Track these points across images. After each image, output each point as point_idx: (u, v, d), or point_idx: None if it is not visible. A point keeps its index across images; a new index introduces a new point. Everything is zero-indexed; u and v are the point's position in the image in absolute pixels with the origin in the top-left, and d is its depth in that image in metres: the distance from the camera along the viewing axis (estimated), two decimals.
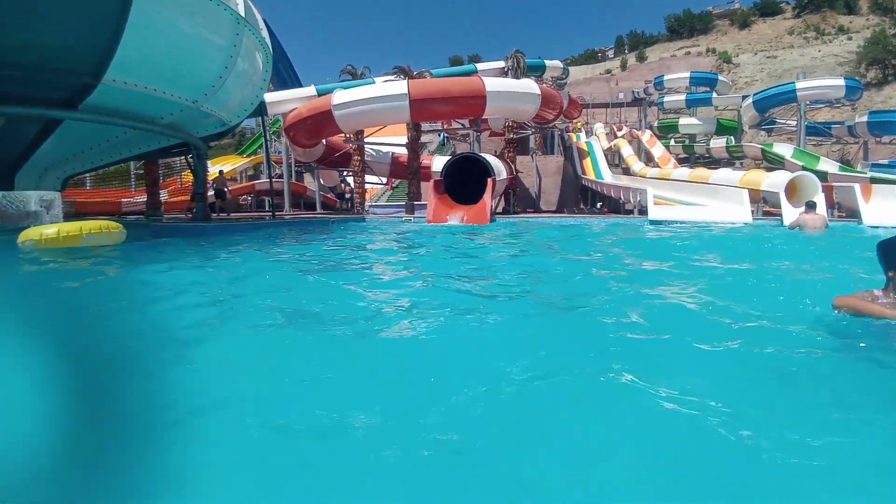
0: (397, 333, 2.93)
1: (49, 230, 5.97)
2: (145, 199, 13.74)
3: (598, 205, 19.23)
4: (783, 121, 29.99)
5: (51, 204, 8.77)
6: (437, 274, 5.16)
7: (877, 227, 11.05)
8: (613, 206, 18.27)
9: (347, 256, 6.86)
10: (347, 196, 20.61)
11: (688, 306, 3.47)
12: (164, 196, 16.02)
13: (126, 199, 16.66)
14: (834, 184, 14.01)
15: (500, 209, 16.96)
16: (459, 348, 2.68)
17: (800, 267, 5.30)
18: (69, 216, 9.65)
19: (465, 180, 13.57)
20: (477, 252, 7.25)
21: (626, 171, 23.91)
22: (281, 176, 21.28)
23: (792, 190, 12.23)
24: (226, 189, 16.35)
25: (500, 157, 17.19)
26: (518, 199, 18.60)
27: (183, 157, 12.75)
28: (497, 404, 1.93)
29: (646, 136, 29.74)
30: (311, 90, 18.21)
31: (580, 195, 21.63)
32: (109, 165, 12.11)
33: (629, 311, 3.20)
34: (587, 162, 22.76)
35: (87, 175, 16.29)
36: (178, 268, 5.42)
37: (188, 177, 15.42)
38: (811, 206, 9.94)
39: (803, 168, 17.37)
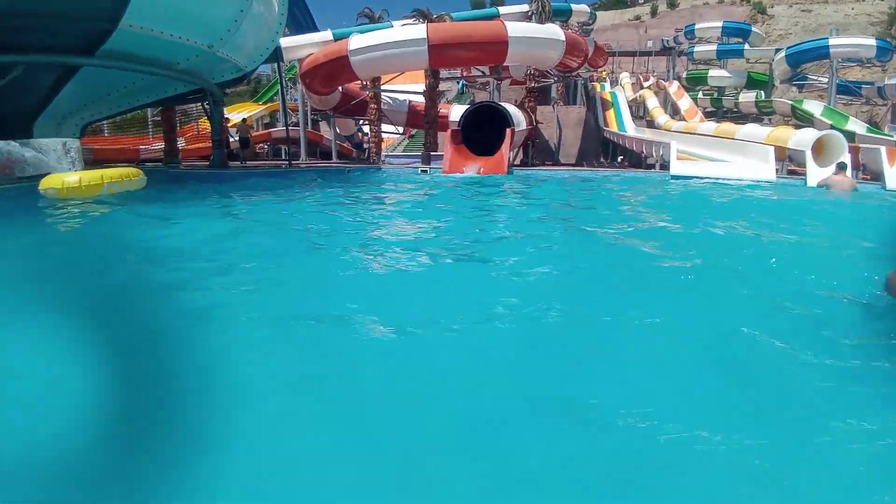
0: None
1: (71, 178, 6.02)
2: (163, 147, 13.77)
3: (620, 158, 18.83)
4: (815, 77, 28.78)
5: (70, 151, 8.83)
6: (448, 233, 5.14)
7: None
8: (635, 160, 17.86)
9: (361, 210, 6.88)
10: (365, 146, 20.44)
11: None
12: (181, 143, 16.05)
13: (144, 147, 16.71)
14: (861, 145, 13.51)
15: (518, 161, 16.69)
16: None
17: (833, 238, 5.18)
18: (88, 163, 9.74)
19: (483, 130, 13.31)
20: (489, 207, 7.18)
21: (651, 124, 23.24)
22: (297, 124, 21.09)
23: (818, 149, 11.81)
24: (249, 137, 16.52)
25: (520, 106, 16.74)
26: (537, 150, 18.22)
27: (199, 105, 12.65)
28: None
29: (673, 88, 28.69)
30: (327, 35, 17.70)
31: (601, 148, 21.14)
32: (127, 112, 12.13)
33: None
34: (610, 113, 22.10)
35: (105, 123, 16.30)
36: (194, 216, 5.50)
37: (205, 124, 15.38)
38: (842, 166, 9.69)
39: (832, 127, 16.72)
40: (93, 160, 12.09)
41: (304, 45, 17.03)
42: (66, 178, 6.02)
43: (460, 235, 4.69)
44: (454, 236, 4.70)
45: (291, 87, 26.36)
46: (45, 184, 5.97)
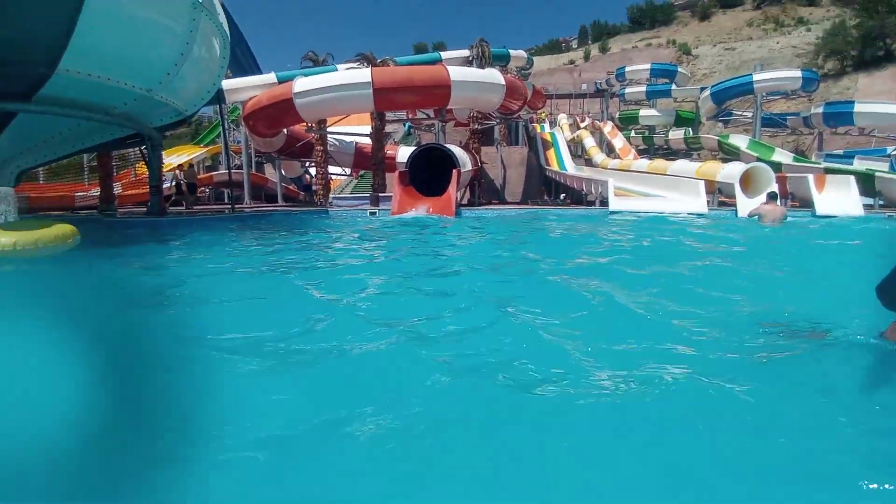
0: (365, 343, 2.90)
1: (4, 239, 5.67)
2: (98, 194, 13.18)
3: (562, 196, 19.47)
4: (739, 112, 30.84)
5: (4, 200, 8.29)
6: (400, 273, 5.13)
7: (830, 217, 11.53)
8: (576, 197, 18.53)
9: (308, 256, 6.74)
10: (314, 188, 20.26)
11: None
12: (118, 189, 15.44)
13: (80, 194, 15.95)
14: (788, 174, 14.50)
15: (465, 200, 16.98)
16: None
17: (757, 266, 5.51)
18: (24, 212, 9.17)
19: (430, 171, 13.51)
20: (441, 249, 7.20)
21: (589, 162, 24.26)
22: (240, 167, 20.71)
23: (747, 181, 12.63)
24: (195, 182, 16.16)
25: (465, 147, 17.15)
26: (483, 189, 18.62)
27: (137, 149, 12.24)
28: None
29: (607, 128, 30.22)
30: (271, 77, 17.70)
31: (544, 186, 21.84)
32: (64, 158, 11.57)
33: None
34: (551, 153, 22.98)
35: (41, 169, 15.52)
36: (128, 270, 5.24)
37: (143, 168, 14.86)
38: (772, 196, 10.26)
39: (758, 159, 17.96)
40: (28, 209, 11.45)
41: (248, 88, 16.94)
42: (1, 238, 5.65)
43: (415, 277, 4.68)
44: (409, 278, 4.67)
45: (234, 129, 25.99)
46: None
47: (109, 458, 1.69)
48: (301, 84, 14.20)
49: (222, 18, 9.04)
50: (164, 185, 13.11)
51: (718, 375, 2.14)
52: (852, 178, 12.75)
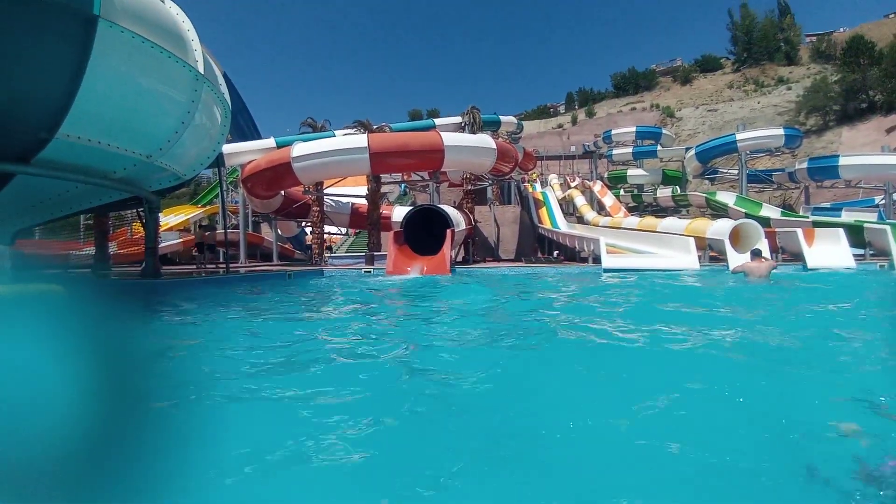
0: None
1: None
2: (94, 252, 13.21)
3: (555, 253, 19.68)
4: (725, 170, 31.59)
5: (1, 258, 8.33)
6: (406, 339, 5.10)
7: (819, 270, 11.72)
8: (569, 254, 18.74)
9: (303, 321, 6.71)
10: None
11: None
12: (113, 248, 15.49)
13: (74, 252, 15.99)
14: (777, 229, 14.74)
15: (459, 258, 17.13)
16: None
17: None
18: (20, 268, 9.18)
19: (425, 231, 13.70)
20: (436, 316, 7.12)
21: (581, 220, 24.69)
22: (237, 226, 20.94)
23: (736, 237, 12.88)
24: (213, 241, 17.16)
25: (459, 207, 17.50)
26: (477, 248, 18.84)
27: (134, 210, 12.40)
28: None
29: (597, 187, 31.00)
30: (270, 142, 18.26)
31: (537, 243, 22.11)
32: (60, 220, 11.68)
33: None
34: (543, 211, 23.43)
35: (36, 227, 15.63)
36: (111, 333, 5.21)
37: (139, 228, 14.99)
38: (756, 253, 10.38)
39: (746, 215, 18.33)
40: (24, 265, 11.42)
41: (247, 152, 17.43)
42: None
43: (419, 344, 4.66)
44: (412, 344, 4.65)
45: (232, 191, 26.43)
46: None
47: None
48: (300, 149, 14.62)
49: (224, 89, 9.39)
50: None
51: None
52: (841, 230, 13.02)
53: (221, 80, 9.38)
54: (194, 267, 15.86)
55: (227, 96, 9.53)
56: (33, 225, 11.40)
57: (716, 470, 1.93)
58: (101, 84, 6.58)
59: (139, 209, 10.59)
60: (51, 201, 9.50)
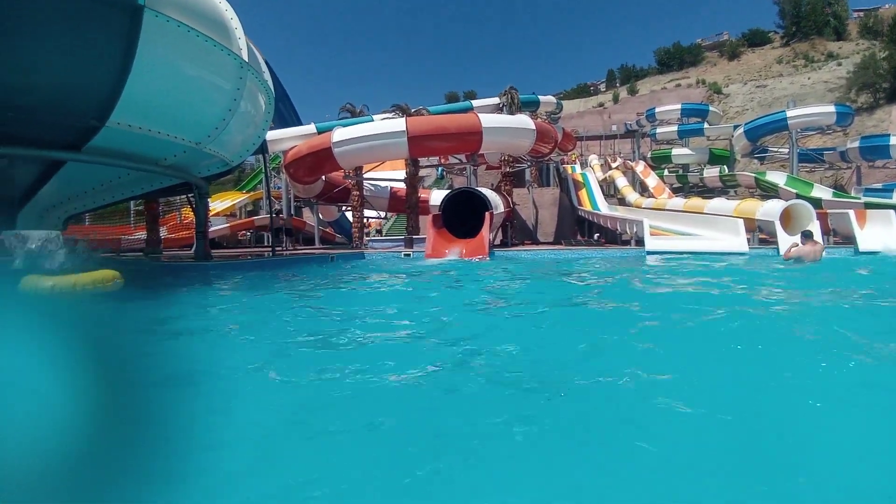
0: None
1: (45, 282, 6.02)
2: (145, 236, 13.83)
3: (596, 236, 19.37)
4: (775, 149, 30.33)
5: (52, 243, 8.84)
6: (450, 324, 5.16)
7: (874, 253, 11.18)
8: (610, 236, 18.41)
9: (349, 303, 6.86)
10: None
11: None
12: (163, 232, 16.13)
13: (126, 237, 16.75)
14: (829, 210, 14.14)
15: (498, 241, 17.08)
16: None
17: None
18: (84, 254, 9.71)
19: (463, 214, 13.71)
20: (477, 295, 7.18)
21: (622, 202, 24.17)
22: (281, 211, 21.47)
23: (787, 218, 12.39)
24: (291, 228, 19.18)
25: (497, 190, 17.40)
26: (515, 231, 18.73)
27: (183, 195, 12.88)
28: None
29: (640, 167, 30.19)
30: (310, 128, 18.56)
31: (577, 226, 21.80)
32: (111, 206, 12.24)
33: None
34: (583, 193, 23.03)
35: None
36: (174, 317, 5.48)
37: (189, 213, 15.57)
38: (807, 235, 9.93)
39: (797, 196, 17.59)
40: (89, 251, 12.05)
41: (289, 138, 17.77)
42: (40, 282, 6.02)
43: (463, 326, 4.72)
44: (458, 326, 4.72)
45: (275, 176, 27.06)
46: (24, 283, 5.98)
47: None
48: (339, 134, 14.83)
49: (267, 76, 9.59)
50: None
51: None
52: (892, 212, 12.38)
53: (264, 67, 9.57)
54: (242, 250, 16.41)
55: (270, 84, 9.72)
56: (85, 211, 11.99)
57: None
58: (149, 73, 6.81)
59: (189, 195, 10.99)
60: (102, 187, 9.98)
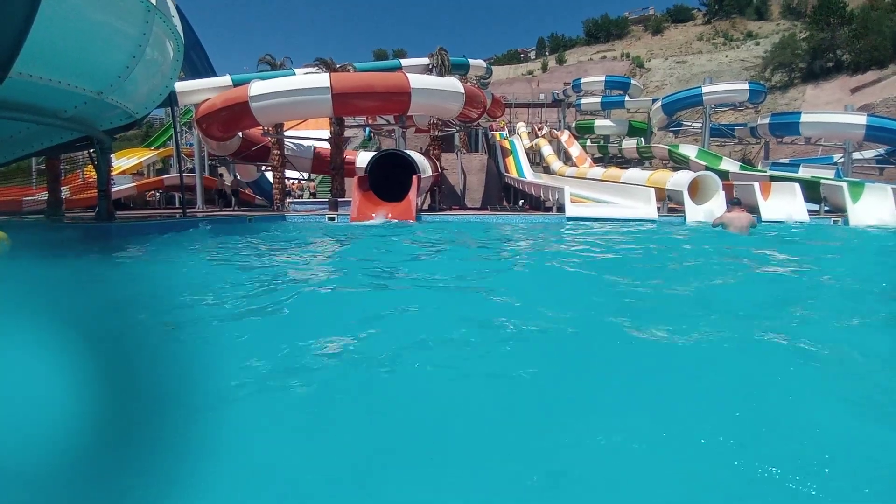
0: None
1: None
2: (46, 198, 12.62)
3: (521, 202, 19.83)
4: (689, 123, 31.95)
5: None
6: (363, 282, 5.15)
7: (775, 223, 12.15)
8: (535, 203, 18.92)
9: (271, 267, 6.63)
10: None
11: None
12: (65, 193, 14.83)
13: (28, 198, 15.21)
14: (735, 182, 15.14)
15: (425, 206, 17.07)
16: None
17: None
18: None
19: (390, 177, 13.53)
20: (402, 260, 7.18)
21: (547, 170, 24.79)
22: (192, 170, 20.18)
23: (695, 188, 13.23)
24: (239, 189, 19.86)
25: (426, 154, 17.28)
26: (443, 195, 18.78)
27: (86, 152, 11.79)
28: None
29: (564, 137, 31.00)
30: (226, 80, 17.31)
31: (503, 192, 22.18)
32: (10, 163, 11.02)
33: None
34: (510, 160, 23.39)
35: None
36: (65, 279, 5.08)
37: (91, 172, 14.31)
38: (734, 202, 9.83)
39: (706, 168, 18.75)
40: None
41: (201, 90, 16.49)
42: None
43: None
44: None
45: (187, 132, 25.30)
46: None
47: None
48: (257, 87, 13.99)
49: (176, 21, 8.82)
50: None
51: None
52: (797, 185, 13.47)
53: (174, 11, 8.80)
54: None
55: (180, 29, 8.97)
56: None
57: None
58: (54, 18, 6.13)
59: (90, 150, 10.05)
60: (2, 144, 8.97)
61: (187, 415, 2.06)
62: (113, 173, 13.47)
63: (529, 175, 21.48)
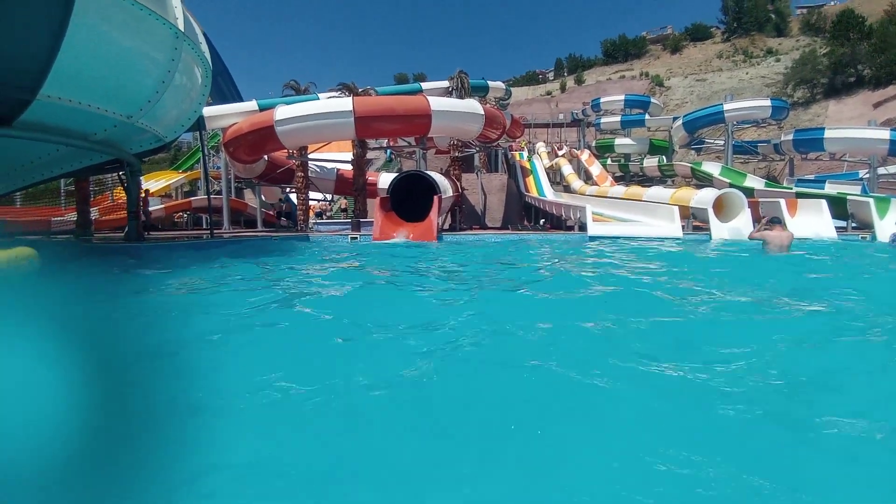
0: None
1: None
2: (76, 218, 13.01)
3: (542, 221, 19.77)
4: (711, 140, 31.64)
5: None
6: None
7: (804, 239, 11.78)
8: (555, 222, 18.83)
9: (295, 287, 6.70)
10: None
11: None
12: (95, 214, 15.25)
13: (57, 218, 15.69)
14: (760, 199, 14.85)
15: (446, 226, 17.12)
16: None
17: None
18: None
19: (411, 198, 13.62)
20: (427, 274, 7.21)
21: (567, 189, 24.71)
22: (219, 192, 20.63)
23: (719, 206, 13.01)
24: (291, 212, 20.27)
25: (446, 174, 17.38)
26: (464, 215, 18.83)
27: (115, 174, 12.16)
28: None
29: (584, 156, 30.94)
30: (252, 105, 17.81)
31: (524, 212, 22.15)
32: (40, 184, 11.43)
33: None
34: (530, 180, 23.40)
35: (18, 193, 15.32)
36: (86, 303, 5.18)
37: (121, 193, 14.75)
38: (775, 221, 9.30)
39: (730, 185, 18.48)
40: (2, 232, 11.26)
41: (228, 115, 17.00)
42: None
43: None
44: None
45: (214, 156, 25.94)
46: None
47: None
48: (282, 112, 14.32)
49: (204, 48, 9.12)
50: None
51: None
52: (824, 201, 13.17)
53: (202, 38, 9.11)
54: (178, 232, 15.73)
55: (207, 56, 9.26)
56: (14, 190, 11.19)
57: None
58: (82, 43, 6.40)
59: (120, 172, 10.37)
60: (32, 165, 9.31)
61: (205, 422, 2.07)
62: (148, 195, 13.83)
63: (550, 194, 21.43)
